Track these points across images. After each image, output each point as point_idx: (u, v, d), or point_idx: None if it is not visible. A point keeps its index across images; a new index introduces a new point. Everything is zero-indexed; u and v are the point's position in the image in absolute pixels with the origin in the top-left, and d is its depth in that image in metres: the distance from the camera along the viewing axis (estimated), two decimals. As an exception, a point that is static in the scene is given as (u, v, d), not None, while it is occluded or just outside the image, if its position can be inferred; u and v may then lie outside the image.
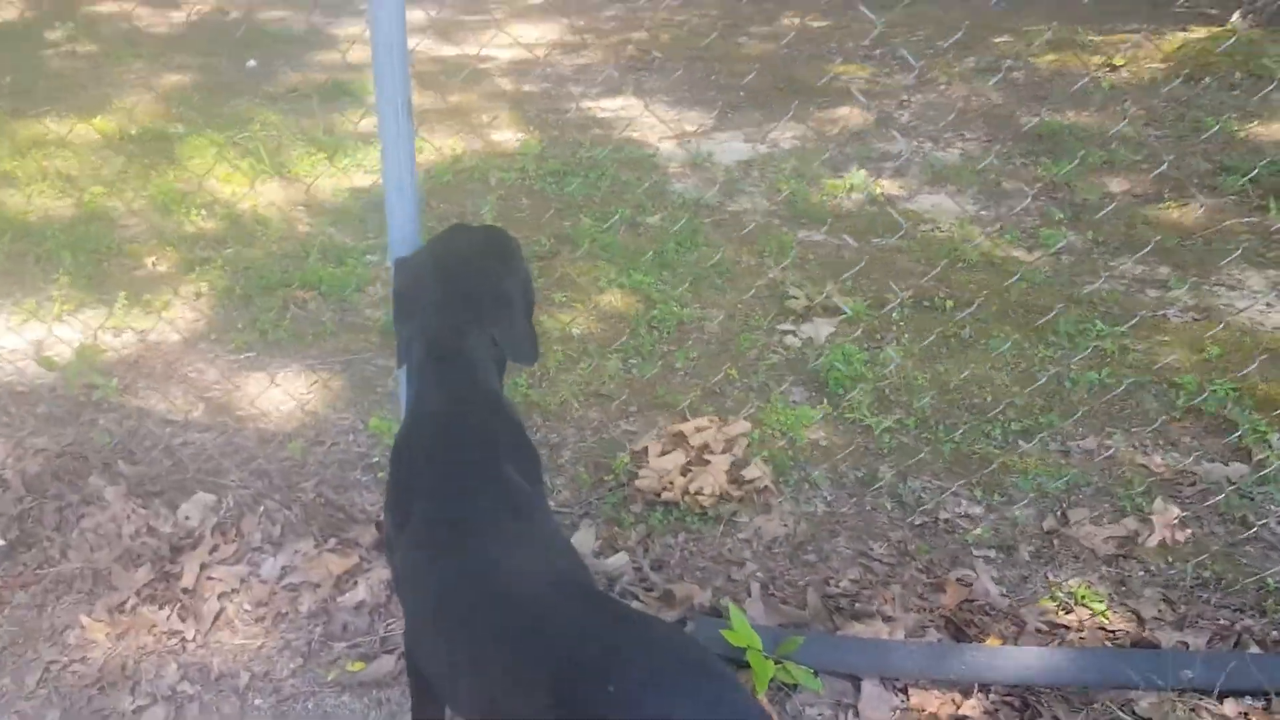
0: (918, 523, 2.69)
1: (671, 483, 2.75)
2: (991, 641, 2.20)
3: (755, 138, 5.12)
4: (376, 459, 2.90)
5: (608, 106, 5.53)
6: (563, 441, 2.95)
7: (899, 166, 4.76)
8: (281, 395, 3.13)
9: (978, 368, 3.26)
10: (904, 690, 2.13)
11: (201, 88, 5.53)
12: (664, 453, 2.84)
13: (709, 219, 4.23)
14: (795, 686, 2.12)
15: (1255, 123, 4.86)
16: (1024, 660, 2.09)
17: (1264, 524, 2.62)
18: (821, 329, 3.49)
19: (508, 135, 5.12)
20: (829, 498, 2.78)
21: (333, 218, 4.22)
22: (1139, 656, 2.09)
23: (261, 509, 2.48)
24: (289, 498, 2.58)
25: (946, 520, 2.68)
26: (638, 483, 2.76)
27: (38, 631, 2.21)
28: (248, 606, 2.27)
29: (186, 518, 2.44)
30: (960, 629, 2.26)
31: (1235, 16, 5.81)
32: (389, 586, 2.32)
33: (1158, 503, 2.65)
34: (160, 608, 2.24)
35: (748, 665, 2.07)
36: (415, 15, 7.10)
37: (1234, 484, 2.75)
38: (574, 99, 5.66)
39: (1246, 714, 2.02)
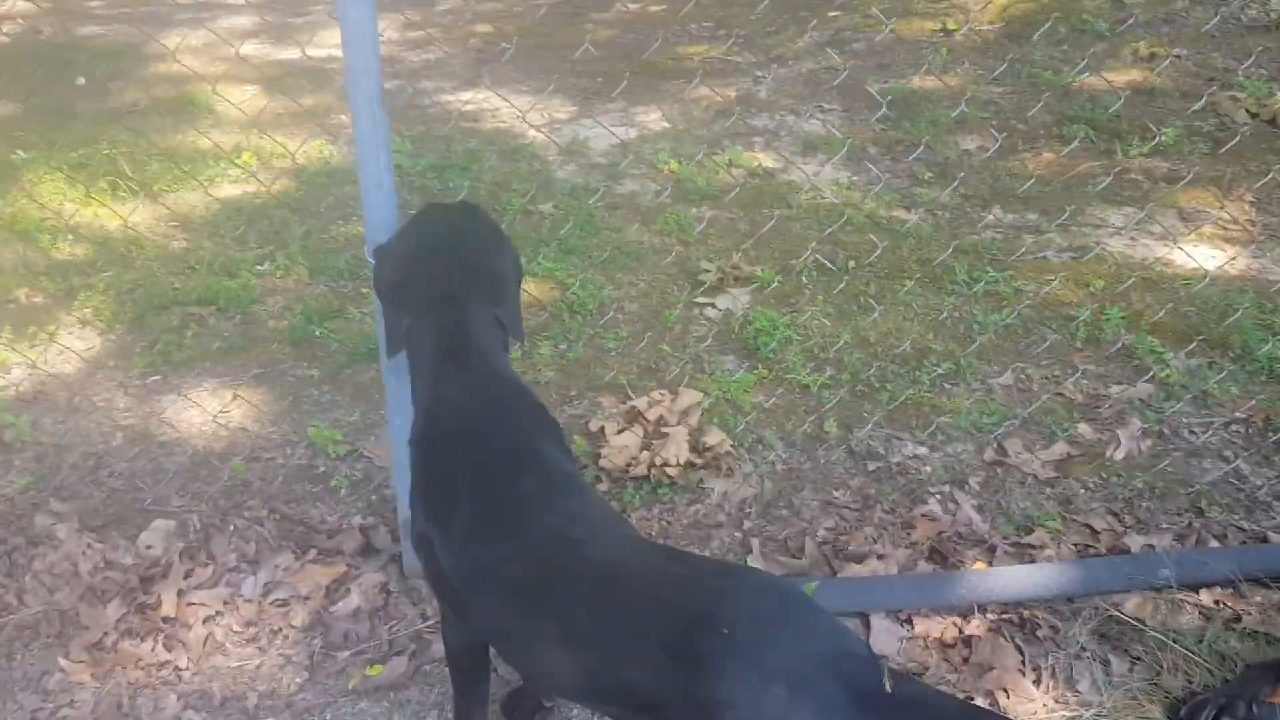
0: (871, 468, 2.81)
1: (635, 458, 2.77)
2: (977, 565, 2.33)
3: (622, 121, 5.16)
4: (321, 469, 2.81)
5: (468, 99, 5.46)
6: (514, 430, 2.92)
7: (768, 140, 4.90)
8: (201, 415, 2.98)
9: (891, 320, 3.42)
10: (908, 621, 2.24)
11: (34, 112, 5.14)
12: (620, 430, 2.86)
13: (601, 203, 4.25)
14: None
15: (1086, 74, 5.24)
16: (1016, 578, 2.22)
17: (1179, 434, 2.86)
18: (738, 299, 3.57)
19: (374, 135, 4.99)
20: (784, 456, 2.87)
21: (208, 231, 4.02)
22: (1119, 562, 2.26)
23: (232, 528, 2.36)
24: (255, 516, 2.47)
25: (898, 464, 2.81)
26: (601, 462, 2.77)
27: (11, 682, 2.05)
28: (236, 627, 2.17)
29: (149, 547, 2.30)
30: (944, 557, 2.38)
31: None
32: (383, 590, 2.26)
33: (1130, 421, 2.86)
34: (142, 640, 2.11)
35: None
36: (242, 20, 6.81)
37: (1145, 402, 2.99)
38: (430, 94, 5.56)
39: (1219, 601, 2.21)
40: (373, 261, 1.93)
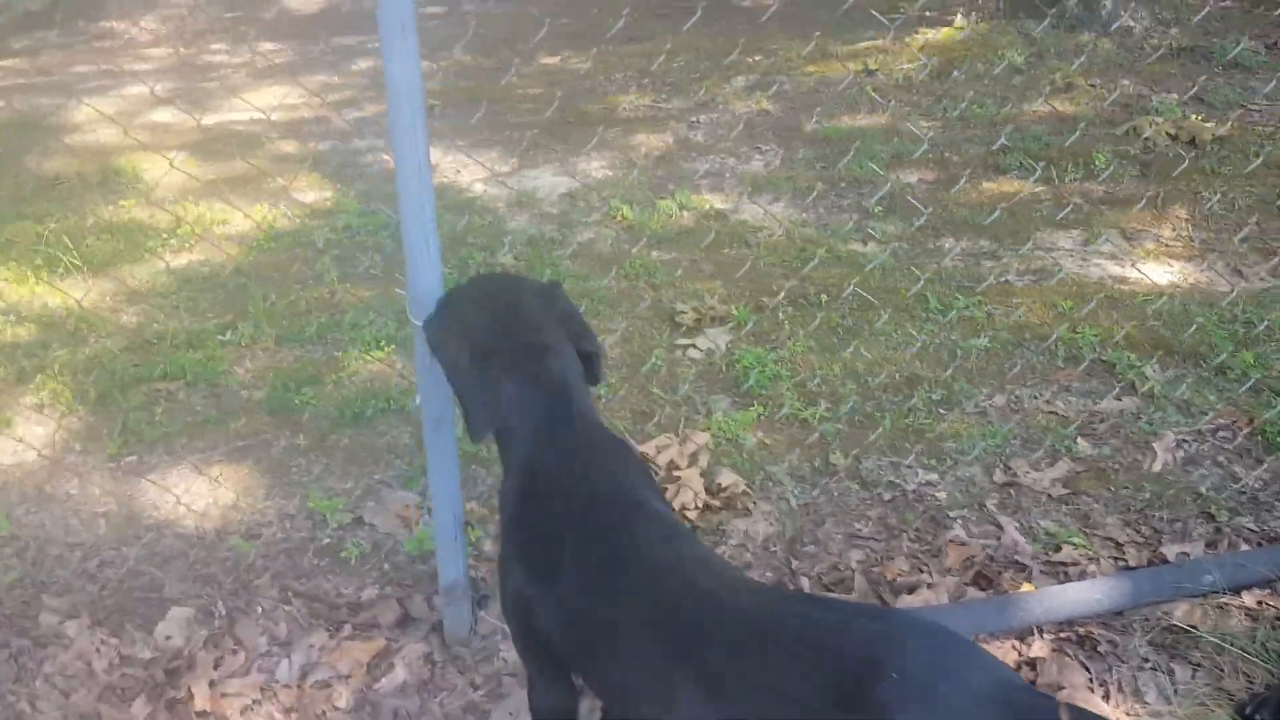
0: (888, 498, 2.81)
1: (651, 505, 2.72)
2: (1026, 587, 2.34)
3: (565, 171, 5.15)
4: (326, 540, 2.69)
5: (405, 157, 5.38)
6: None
7: (714, 183, 4.94)
8: (186, 494, 2.83)
9: (874, 351, 3.45)
10: (966, 648, 2.22)
11: (-59, 187, 4.89)
12: (632, 478, 2.81)
13: (561, 252, 4.22)
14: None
15: (1008, 105, 5.44)
16: (1071, 596, 2.24)
17: (1167, 444, 2.94)
18: (718, 338, 3.57)
19: (315, 195, 4.88)
20: (796, 492, 2.85)
21: (160, 304, 3.85)
22: (1163, 572, 2.30)
23: (259, 610, 2.23)
24: (279, 595, 2.34)
25: (913, 491, 2.83)
26: (617, 511, 2.71)
27: (40, 800, 1.88)
28: (278, 715, 2.04)
29: (168, 638, 2.15)
30: (990, 582, 2.39)
31: (958, 17, 6.47)
32: (428, 661, 2.15)
33: (1163, 433, 2.94)
34: (180, 739, 1.96)
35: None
36: (143, 89, 6.59)
37: (1136, 415, 3.07)
38: (365, 153, 5.47)
39: (1262, 602, 2.27)
40: (424, 331, 1.87)
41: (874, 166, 4.87)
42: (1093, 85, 5.57)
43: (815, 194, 4.74)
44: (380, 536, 2.71)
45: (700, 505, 2.71)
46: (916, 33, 6.55)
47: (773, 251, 4.20)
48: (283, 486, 2.89)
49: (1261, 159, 4.60)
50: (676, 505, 2.69)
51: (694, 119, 5.77)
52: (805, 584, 2.47)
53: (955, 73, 5.81)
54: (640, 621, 1.44)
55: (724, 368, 3.39)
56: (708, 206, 4.65)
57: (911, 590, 2.35)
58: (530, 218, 4.60)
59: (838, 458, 2.95)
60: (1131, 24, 5.98)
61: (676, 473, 2.80)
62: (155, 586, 2.46)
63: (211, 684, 2.06)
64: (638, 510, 1.56)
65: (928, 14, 6.92)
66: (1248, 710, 2.00)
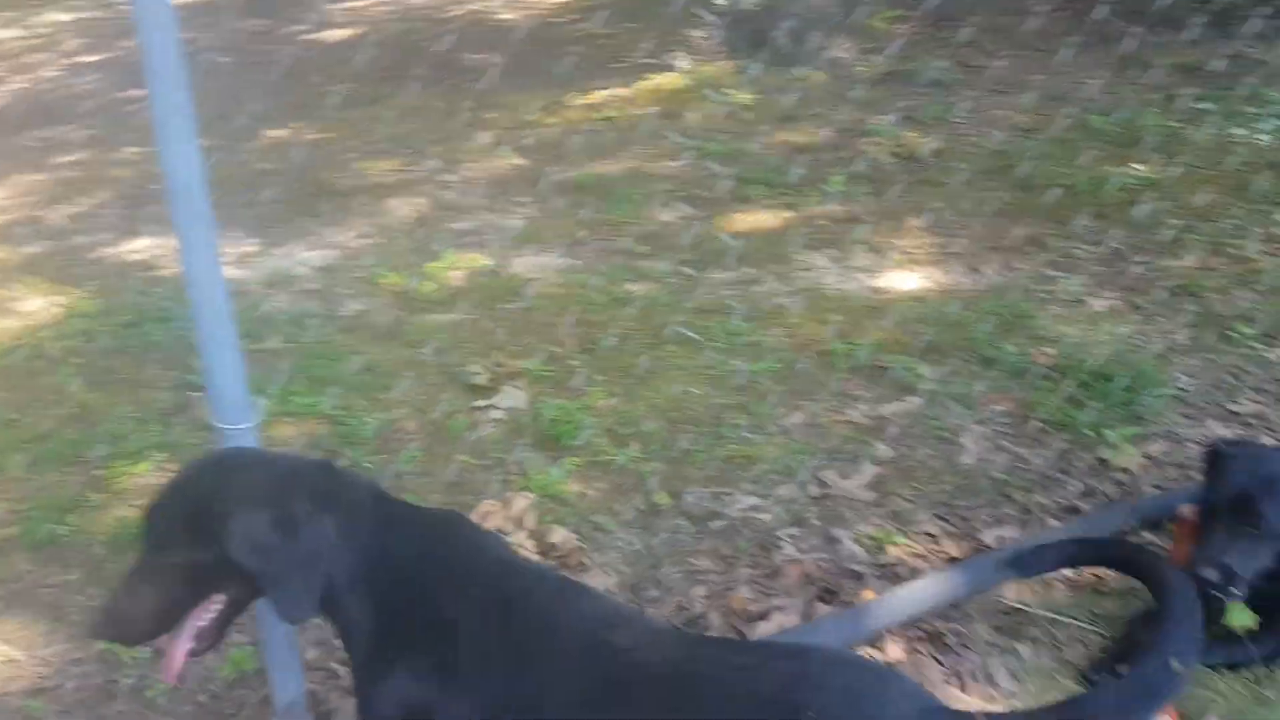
0: (716, 528, 2.83)
1: (484, 576, 2.61)
2: (866, 594, 2.41)
3: (318, 245, 4.93)
4: (129, 681, 2.40)
5: (135, 248, 4.99)
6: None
7: (479, 241, 4.88)
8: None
9: (673, 386, 3.48)
10: (828, 663, 2.25)
11: None
12: (459, 551, 2.69)
13: (331, 328, 4.02)
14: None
15: (744, 140, 5.71)
16: (913, 596, 2.32)
17: (959, 436, 3.13)
18: (517, 395, 3.49)
19: (40, 303, 4.41)
20: (626, 538, 2.82)
21: None
22: (989, 559, 2.42)
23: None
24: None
25: (739, 518, 2.86)
26: (451, 589, 2.58)
27: None
28: None
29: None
30: (834, 595, 2.44)
31: (679, 60, 6.73)
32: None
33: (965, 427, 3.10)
34: None
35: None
36: None
37: (921, 415, 3.25)
38: (89, 249, 5.02)
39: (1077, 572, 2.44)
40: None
41: (630, 209, 4.96)
42: (815, 115, 5.94)
43: (580, 241, 4.76)
44: (189, 665, 2.44)
45: (535, 568, 2.62)
46: (643, 78, 6.77)
47: (552, 301, 4.17)
48: (64, 630, 2.56)
49: (974, 168, 5.05)
50: (511, 572, 2.59)
51: (444, 179, 5.68)
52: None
53: (687, 114, 6.03)
54: (567, 699, 1.35)
55: (530, 424, 3.32)
56: (478, 264, 4.57)
57: (764, 616, 2.37)
58: (290, 296, 4.36)
59: (661, 497, 2.95)
60: (841, 55, 6.44)
61: (506, 538, 2.70)
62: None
63: None
64: (517, 572, 1.48)
65: (649, 61, 7.14)
66: (1092, 676, 2.14)
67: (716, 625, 2.38)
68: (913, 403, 3.33)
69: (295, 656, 2.04)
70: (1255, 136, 5.23)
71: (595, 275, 4.39)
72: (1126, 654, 2.13)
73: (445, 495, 2.98)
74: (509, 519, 2.75)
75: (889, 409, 3.31)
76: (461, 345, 3.85)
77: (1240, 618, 2.15)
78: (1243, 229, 4.25)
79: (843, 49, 6.62)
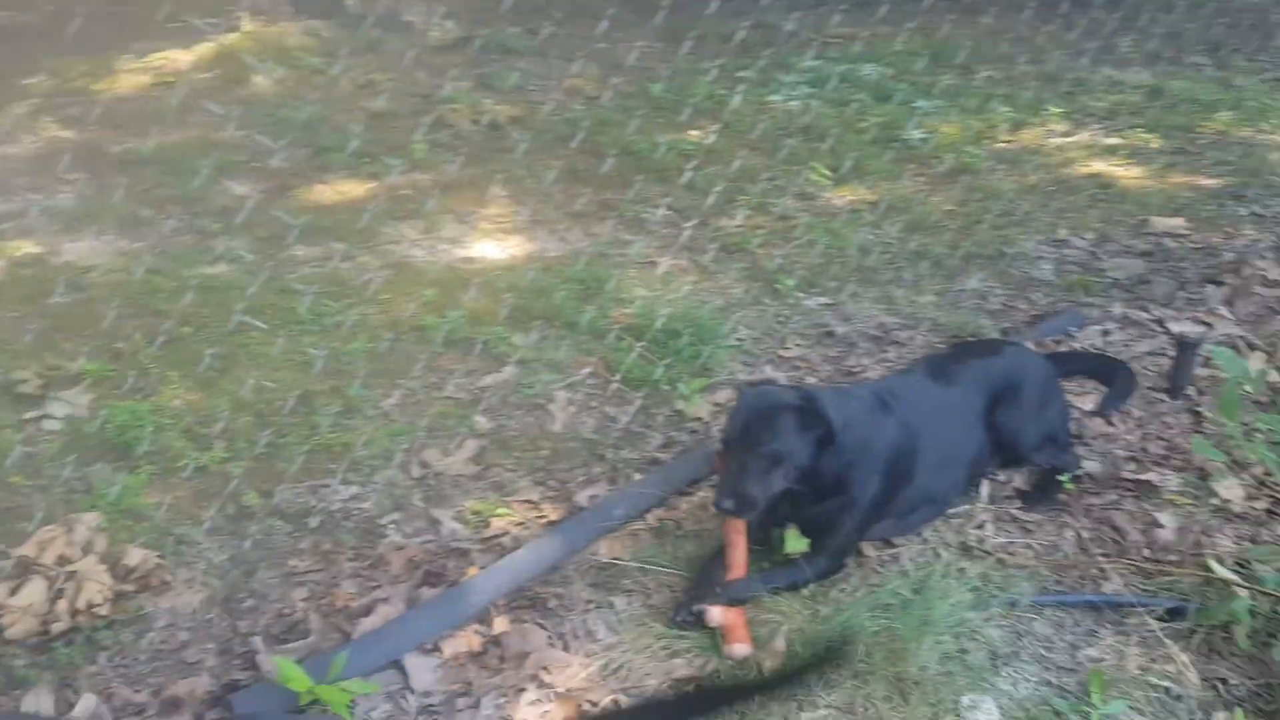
0: (315, 524, 2.74)
1: (49, 613, 2.35)
2: (471, 571, 2.44)
3: None
4: None
5: None
6: None
7: (20, 225, 4.32)
8: None
9: (259, 375, 3.30)
10: (436, 649, 2.26)
11: None
12: (16, 589, 2.39)
13: None
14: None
15: (318, 106, 5.47)
16: (512, 567, 2.38)
17: (552, 401, 3.24)
18: (76, 401, 3.15)
19: None
20: (215, 546, 2.66)
21: None
22: (581, 519, 2.54)
23: None
24: None
25: (339, 509, 2.79)
26: (8, 634, 2.30)
27: None
28: None
29: None
30: (440, 577, 2.45)
31: (242, 21, 6.30)
32: None
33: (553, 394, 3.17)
34: None
35: (318, 703, 1.99)
36: None
37: (517, 383, 3.32)
38: None
39: (661, 519, 2.63)
40: None
41: (198, 183, 4.60)
42: (391, 80, 5.82)
43: (144, 221, 4.35)
44: None
45: (111, 596, 2.40)
46: (205, 39, 6.27)
47: (115, 291, 3.77)
48: None
49: (550, 135, 5.19)
50: (81, 604, 2.35)
51: (-34, 154, 4.95)
52: (257, 642, 2.32)
53: (256, 78, 5.68)
54: None
55: (94, 432, 3.00)
56: (20, 252, 4.04)
57: (368, 612, 2.33)
58: None
59: (250, 498, 2.79)
60: (413, 19, 6.35)
61: (70, 567, 2.43)
62: None
63: None
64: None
65: (210, 20, 6.63)
66: (675, 617, 2.31)
67: (318, 628, 2.31)
68: (508, 372, 3.39)
69: None
70: (788, 102, 5.82)
71: (162, 259, 4.04)
72: (703, 592, 2.32)
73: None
74: (73, 544, 2.47)
75: (485, 381, 3.35)
76: (3, 348, 3.40)
77: (795, 544, 2.42)
78: (780, 188, 4.72)
79: (414, 13, 6.52)
